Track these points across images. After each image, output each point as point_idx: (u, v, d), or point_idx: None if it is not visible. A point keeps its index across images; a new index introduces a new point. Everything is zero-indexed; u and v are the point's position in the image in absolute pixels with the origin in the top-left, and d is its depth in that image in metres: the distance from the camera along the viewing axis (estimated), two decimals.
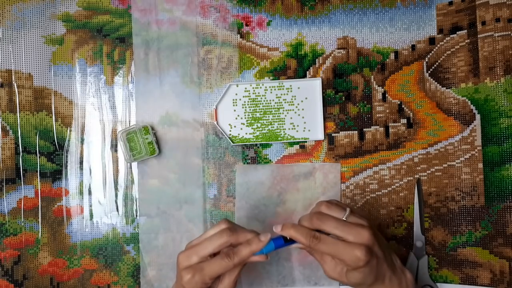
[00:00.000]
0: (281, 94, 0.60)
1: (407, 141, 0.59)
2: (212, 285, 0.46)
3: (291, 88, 0.60)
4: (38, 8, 0.59)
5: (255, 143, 0.60)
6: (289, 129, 0.60)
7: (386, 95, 0.60)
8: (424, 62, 0.59)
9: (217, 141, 0.60)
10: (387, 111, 0.60)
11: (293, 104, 0.60)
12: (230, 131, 0.60)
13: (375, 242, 0.44)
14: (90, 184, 0.60)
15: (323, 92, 0.60)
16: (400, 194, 0.59)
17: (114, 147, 0.60)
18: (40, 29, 0.59)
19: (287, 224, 0.45)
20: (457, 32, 0.58)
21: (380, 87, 0.60)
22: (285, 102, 0.60)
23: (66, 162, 0.60)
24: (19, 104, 0.58)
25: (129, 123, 0.61)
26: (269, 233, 0.45)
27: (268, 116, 0.60)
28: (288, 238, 0.46)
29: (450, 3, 0.59)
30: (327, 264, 0.47)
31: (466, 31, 0.58)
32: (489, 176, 0.57)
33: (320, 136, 0.60)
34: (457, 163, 0.58)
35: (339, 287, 0.59)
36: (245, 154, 0.60)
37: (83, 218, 0.60)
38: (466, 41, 0.58)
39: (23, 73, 0.58)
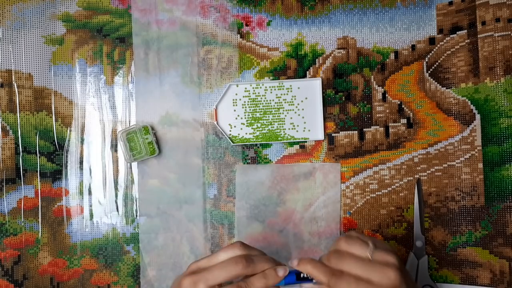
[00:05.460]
0: (281, 94, 0.60)
1: (407, 141, 0.59)
2: None
3: (291, 88, 0.60)
4: (38, 8, 0.59)
5: (255, 143, 0.60)
6: (289, 129, 0.60)
7: (386, 95, 0.60)
8: (424, 62, 0.59)
9: (217, 141, 0.60)
10: (387, 111, 0.60)
11: (293, 104, 0.60)
12: (230, 131, 0.60)
13: (402, 283, 0.38)
14: (90, 184, 0.60)
15: (323, 92, 0.60)
16: (400, 194, 0.59)
17: (114, 147, 0.60)
18: (40, 29, 0.59)
19: (304, 259, 0.40)
20: (457, 32, 0.58)
21: (380, 87, 0.60)
22: (285, 102, 0.60)
23: (66, 162, 0.60)
24: (19, 104, 0.58)
25: (129, 123, 0.61)
26: (286, 267, 0.41)
27: (268, 116, 0.60)
28: (302, 275, 0.41)
29: (450, 3, 0.59)
30: None
31: (466, 31, 0.58)
32: (489, 176, 0.57)
33: (320, 136, 0.60)
34: (457, 163, 0.58)
35: None
36: (245, 154, 0.60)
37: (83, 218, 0.60)
38: (466, 41, 0.58)
39: (23, 73, 0.58)
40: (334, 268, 0.40)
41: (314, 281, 0.40)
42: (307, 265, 0.40)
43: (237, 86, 0.60)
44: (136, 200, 0.60)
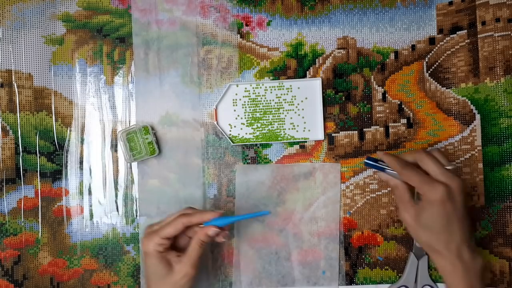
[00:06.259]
0: (281, 94, 0.60)
1: (407, 141, 0.59)
2: (174, 260, 0.49)
3: (291, 88, 0.60)
4: (38, 8, 0.59)
5: (255, 143, 0.60)
6: (289, 129, 0.60)
7: (386, 95, 0.60)
8: (424, 62, 0.59)
9: (217, 141, 0.60)
10: (387, 111, 0.60)
11: (293, 104, 0.60)
12: (230, 131, 0.60)
13: (460, 192, 0.45)
14: (90, 184, 0.60)
15: (323, 92, 0.60)
16: None
17: (114, 147, 0.60)
18: (40, 29, 0.59)
19: (387, 153, 0.49)
20: (457, 32, 0.58)
21: (380, 87, 0.60)
22: (285, 102, 0.60)
23: (66, 162, 0.60)
24: (19, 104, 0.58)
25: (129, 123, 0.61)
26: (215, 212, 0.49)
27: (268, 116, 0.60)
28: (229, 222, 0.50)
29: (450, 3, 0.59)
30: (403, 203, 0.48)
31: (466, 31, 0.58)
32: (489, 176, 0.57)
33: (320, 136, 0.60)
34: (457, 163, 0.58)
35: (338, 287, 0.59)
36: (245, 154, 0.60)
37: (83, 218, 0.60)
38: (466, 41, 0.58)
39: (23, 73, 0.58)
40: (414, 162, 0.48)
41: (268, 212, 0.51)
42: (387, 155, 0.49)
43: (237, 86, 0.60)
44: (136, 200, 0.60)
